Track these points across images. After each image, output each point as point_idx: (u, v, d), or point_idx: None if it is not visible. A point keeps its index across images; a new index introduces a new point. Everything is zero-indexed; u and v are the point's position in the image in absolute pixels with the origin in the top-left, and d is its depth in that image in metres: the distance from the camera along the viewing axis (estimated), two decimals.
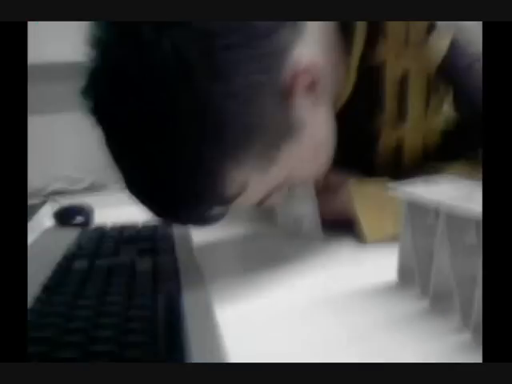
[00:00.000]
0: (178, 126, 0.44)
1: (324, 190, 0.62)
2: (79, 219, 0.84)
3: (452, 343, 0.33)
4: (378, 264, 0.45)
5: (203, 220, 0.51)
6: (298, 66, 0.49)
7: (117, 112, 0.45)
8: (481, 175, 0.55)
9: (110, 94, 0.45)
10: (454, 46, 0.58)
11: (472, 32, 0.58)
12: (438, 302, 0.38)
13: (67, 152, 2.64)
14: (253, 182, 0.50)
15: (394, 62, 0.60)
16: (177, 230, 0.63)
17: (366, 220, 0.56)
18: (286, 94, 0.49)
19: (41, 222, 0.86)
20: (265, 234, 0.66)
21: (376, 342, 0.34)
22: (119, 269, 0.47)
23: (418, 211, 0.39)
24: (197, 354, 0.30)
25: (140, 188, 0.48)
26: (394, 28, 0.58)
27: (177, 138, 0.44)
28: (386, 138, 0.63)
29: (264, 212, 0.68)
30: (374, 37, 0.58)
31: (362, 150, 0.65)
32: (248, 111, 0.46)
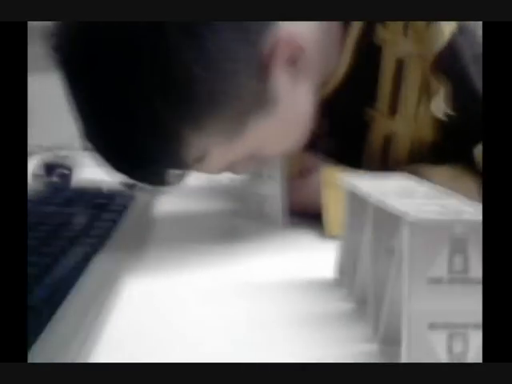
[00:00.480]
0: (140, 82, 0.43)
1: (298, 174, 0.60)
2: (58, 174, 0.84)
3: (354, 352, 0.30)
4: (327, 259, 0.43)
5: (159, 181, 0.49)
6: (278, 38, 0.47)
7: (83, 63, 0.44)
8: (466, 183, 0.54)
9: (79, 48, 0.45)
10: (455, 37, 0.55)
11: (478, 24, 0.55)
12: (362, 307, 0.35)
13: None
14: (215, 150, 0.48)
15: (391, 48, 0.58)
16: (142, 198, 0.61)
17: (331, 212, 0.53)
18: (262, 65, 0.46)
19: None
20: (230, 213, 0.64)
21: (271, 335, 0.32)
22: (51, 217, 0.45)
23: (357, 204, 0.36)
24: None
25: (97, 140, 0.47)
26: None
27: (138, 93, 0.43)
28: (377, 129, 0.61)
29: (239, 190, 0.66)
30: (372, 23, 0.56)
31: (351, 139, 0.62)
32: (216, 77, 0.44)
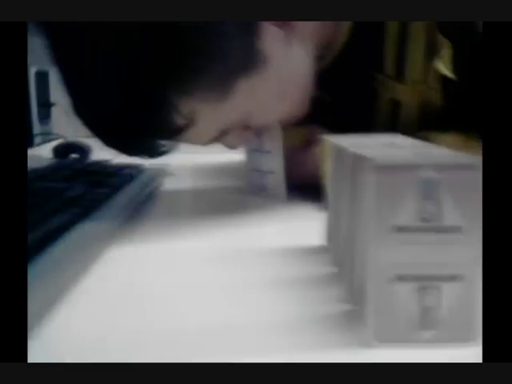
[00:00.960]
0: (125, 47, 0.41)
1: (301, 147, 0.58)
2: (74, 155, 0.85)
3: (326, 312, 0.28)
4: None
5: (150, 151, 0.48)
6: None
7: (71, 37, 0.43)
8: (472, 149, 0.51)
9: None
10: None
11: None
12: (343, 270, 0.33)
13: None
14: (203, 115, 0.45)
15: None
16: (147, 176, 0.61)
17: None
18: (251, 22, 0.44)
19: (39, 154, 0.88)
20: (233, 189, 0.63)
21: (251, 296, 0.30)
22: (50, 190, 0.45)
23: (339, 162, 0.34)
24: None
25: (87, 113, 0.46)
26: None
27: (123, 60, 0.41)
28: (384, 95, 0.58)
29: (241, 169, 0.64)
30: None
31: (357, 108, 0.60)
32: (201, 34, 0.41)
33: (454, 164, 0.24)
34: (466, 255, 0.24)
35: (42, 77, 2.10)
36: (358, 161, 0.27)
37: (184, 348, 0.25)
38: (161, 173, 0.67)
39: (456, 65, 0.53)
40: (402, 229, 0.24)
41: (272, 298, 0.30)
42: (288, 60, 0.49)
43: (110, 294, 0.31)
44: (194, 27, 0.41)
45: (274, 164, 0.55)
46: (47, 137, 1.59)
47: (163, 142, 0.47)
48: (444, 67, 0.54)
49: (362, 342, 0.24)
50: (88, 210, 0.42)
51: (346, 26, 0.56)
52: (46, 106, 2.10)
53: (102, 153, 0.82)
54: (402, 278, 0.24)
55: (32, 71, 1.97)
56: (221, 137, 0.50)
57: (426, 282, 0.24)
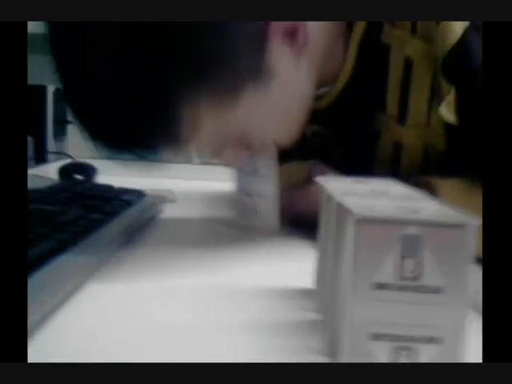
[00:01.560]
0: (134, 53, 0.41)
1: (302, 183, 0.57)
2: (79, 177, 0.85)
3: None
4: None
5: (152, 156, 0.47)
6: None
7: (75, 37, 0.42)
8: (474, 195, 0.50)
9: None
10: (467, 35, 0.51)
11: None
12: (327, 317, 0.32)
13: None
14: (207, 124, 0.45)
15: (399, 47, 0.54)
16: (146, 203, 0.61)
17: None
18: (259, 34, 0.44)
19: (45, 174, 0.88)
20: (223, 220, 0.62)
21: (223, 339, 0.30)
22: (42, 213, 0.45)
23: (328, 207, 0.33)
24: None
25: (90, 116, 0.45)
26: None
27: (131, 65, 0.41)
28: (387, 136, 0.58)
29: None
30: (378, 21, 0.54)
31: (359, 147, 0.60)
32: (211, 44, 0.42)
33: (438, 222, 0.23)
34: (446, 317, 0.23)
35: (60, 94, 2.14)
36: (342, 210, 0.26)
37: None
38: (161, 199, 0.67)
39: (459, 111, 0.52)
40: (380, 286, 0.23)
41: (247, 342, 0.29)
42: (293, 80, 0.49)
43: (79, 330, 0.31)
44: (204, 32, 0.41)
45: (267, 188, 0.55)
46: (60, 155, 1.60)
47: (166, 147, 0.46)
48: (448, 113, 0.53)
49: None
50: (77, 237, 0.41)
51: (349, 63, 0.55)
52: (62, 123, 2.13)
53: (106, 176, 0.84)
54: (377, 337, 0.23)
55: (50, 89, 2.01)
56: (220, 150, 0.50)
57: (402, 342, 0.23)
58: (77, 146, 2.35)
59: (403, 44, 0.54)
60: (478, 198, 0.51)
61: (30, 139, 1.82)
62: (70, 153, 1.76)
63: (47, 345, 0.28)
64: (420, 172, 0.56)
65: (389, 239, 0.23)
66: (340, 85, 0.56)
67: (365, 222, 0.23)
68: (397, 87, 0.55)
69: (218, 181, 0.97)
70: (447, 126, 0.54)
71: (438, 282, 0.23)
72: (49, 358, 0.27)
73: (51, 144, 1.99)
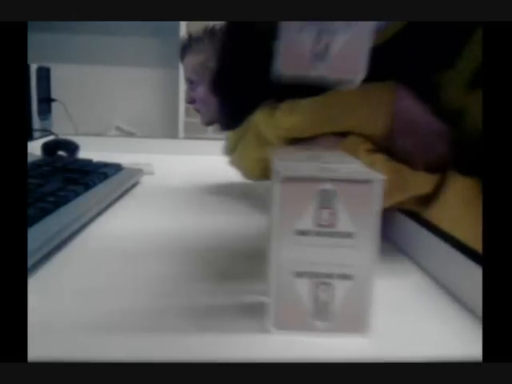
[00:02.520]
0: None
1: None
2: (62, 153, 0.89)
3: (246, 302, 0.32)
4: None
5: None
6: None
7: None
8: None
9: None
10: None
11: None
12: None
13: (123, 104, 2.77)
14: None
15: None
16: (123, 175, 0.65)
17: None
18: None
19: (29, 151, 0.92)
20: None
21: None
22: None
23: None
24: None
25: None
26: None
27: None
28: (451, 95, 0.49)
29: None
30: None
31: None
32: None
33: (349, 179, 0.27)
34: (356, 258, 0.28)
35: (44, 73, 2.15)
36: (274, 172, 0.30)
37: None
38: (138, 172, 0.71)
39: None
40: (301, 232, 0.28)
41: (202, 287, 0.34)
42: None
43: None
44: None
45: None
46: (45, 133, 1.63)
47: None
48: None
49: (263, 329, 0.28)
50: (56, 206, 0.46)
51: None
52: (45, 101, 2.15)
53: (87, 152, 0.88)
54: (300, 275, 0.28)
55: (33, 67, 2.02)
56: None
57: (320, 278, 0.28)
58: (61, 123, 2.37)
59: None
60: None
61: None
62: (54, 130, 1.79)
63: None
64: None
65: (308, 194, 0.27)
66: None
67: (287, 180, 0.27)
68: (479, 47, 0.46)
69: (200, 154, 1.01)
70: None
71: (349, 228, 0.27)
72: None
73: (36, 122, 2.02)
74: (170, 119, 2.66)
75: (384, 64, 0.43)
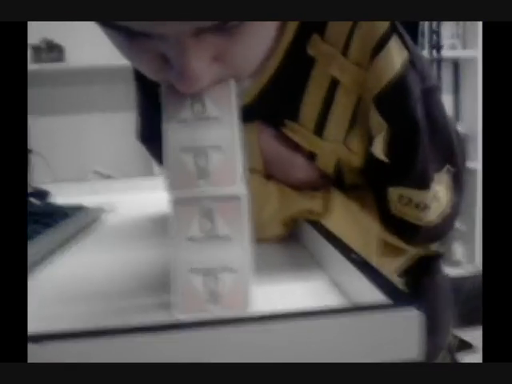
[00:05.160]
0: None
1: None
2: (33, 199, 0.98)
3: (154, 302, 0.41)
4: None
5: None
6: None
7: None
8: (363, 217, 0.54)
9: None
10: (406, 70, 0.50)
11: (425, 65, 0.54)
12: None
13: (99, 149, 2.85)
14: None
15: (323, 66, 0.52)
16: (83, 214, 0.74)
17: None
18: None
19: None
20: None
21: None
22: None
23: None
24: None
25: None
26: (334, 32, 0.51)
27: None
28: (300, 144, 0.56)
29: None
30: (309, 29, 0.51)
31: None
32: None
33: (223, 196, 0.37)
34: (233, 255, 0.37)
35: None
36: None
37: None
38: (99, 211, 0.80)
39: (391, 151, 0.52)
40: (191, 239, 0.37)
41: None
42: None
43: None
44: None
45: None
46: None
47: None
48: (379, 152, 0.52)
49: (171, 314, 0.37)
50: None
51: (275, 61, 0.53)
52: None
53: (57, 197, 0.97)
54: (193, 271, 0.37)
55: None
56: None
57: (209, 273, 0.37)
58: (40, 172, 2.46)
59: (330, 63, 0.52)
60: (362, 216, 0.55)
61: None
62: (33, 179, 1.88)
63: None
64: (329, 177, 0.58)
65: (193, 209, 0.37)
66: (258, 88, 0.55)
67: (178, 200, 0.37)
68: (318, 102, 0.54)
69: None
70: (365, 148, 0.54)
71: (226, 232, 0.37)
72: None
73: None
74: (145, 158, 2.77)
75: (251, 116, 0.51)
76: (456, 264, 2.53)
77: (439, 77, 2.46)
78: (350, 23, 0.51)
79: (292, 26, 0.52)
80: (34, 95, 2.70)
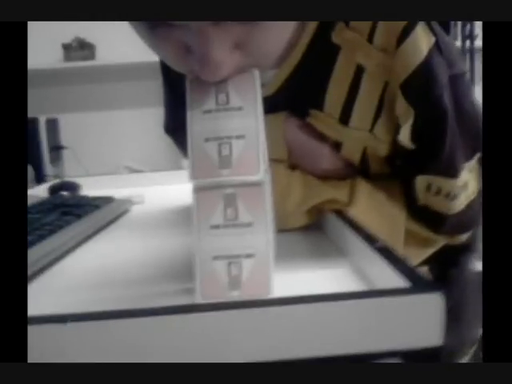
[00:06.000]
0: None
1: None
2: (64, 192, 1.00)
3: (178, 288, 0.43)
4: None
5: None
6: None
7: None
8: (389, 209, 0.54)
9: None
10: (432, 55, 0.50)
11: (453, 51, 0.54)
12: None
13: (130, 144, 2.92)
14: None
15: (349, 53, 0.52)
16: (112, 206, 0.76)
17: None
18: None
19: (37, 193, 1.04)
20: None
21: None
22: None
23: None
24: None
25: None
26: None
27: None
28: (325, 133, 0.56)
29: None
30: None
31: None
32: None
33: (243, 183, 0.37)
34: (256, 241, 0.37)
35: (52, 123, 2.33)
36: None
37: None
38: (128, 202, 0.82)
39: (417, 138, 0.52)
40: (214, 226, 0.37)
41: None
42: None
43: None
44: None
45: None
46: (55, 178, 1.77)
47: None
48: (406, 139, 0.52)
49: (193, 299, 0.38)
50: (52, 232, 0.56)
51: (298, 50, 0.53)
52: (56, 149, 2.32)
53: (94, 190, 0.99)
54: (215, 258, 0.38)
55: (42, 119, 2.19)
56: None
57: (232, 259, 0.37)
58: (73, 168, 2.52)
59: (356, 49, 0.51)
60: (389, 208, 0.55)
61: (29, 167, 2.00)
62: (66, 174, 1.93)
63: None
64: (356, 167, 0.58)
65: (215, 198, 0.37)
66: (281, 79, 0.54)
67: (200, 189, 0.37)
68: (344, 90, 0.53)
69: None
70: (392, 136, 0.54)
71: (248, 219, 0.37)
72: None
73: (49, 168, 2.17)
74: (174, 153, 2.80)
75: (275, 106, 0.52)
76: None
77: (472, 67, 2.40)
78: None
79: (313, 23, 0.52)
80: (66, 92, 2.77)
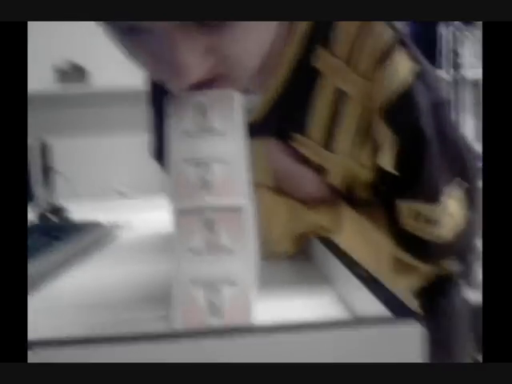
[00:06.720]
0: None
1: None
2: (51, 216, 0.99)
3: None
4: None
5: None
6: None
7: None
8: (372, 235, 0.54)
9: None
10: (413, 82, 0.50)
11: (432, 76, 0.54)
12: None
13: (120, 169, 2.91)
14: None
15: (329, 78, 0.52)
16: (99, 231, 0.75)
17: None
18: None
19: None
20: None
21: None
22: None
23: None
24: None
25: None
26: (339, 43, 0.51)
27: None
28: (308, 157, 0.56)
29: None
30: (313, 41, 0.51)
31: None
32: None
33: (223, 207, 0.37)
34: (236, 267, 0.37)
35: (45, 148, 2.34)
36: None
37: None
38: (115, 227, 0.81)
39: (400, 163, 0.52)
40: (192, 249, 0.37)
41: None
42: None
43: None
44: None
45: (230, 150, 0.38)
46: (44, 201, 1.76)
47: None
48: (387, 163, 0.52)
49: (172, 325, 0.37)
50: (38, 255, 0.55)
51: (280, 74, 0.53)
52: (48, 171, 2.32)
53: (76, 214, 0.98)
54: (194, 283, 0.37)
55: (35, 144, 2.19)
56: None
57: (210, 286, 0.37)
58: (63, 191, 2.52)
59: (336, 73, 0.52)
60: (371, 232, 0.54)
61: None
62: (56, 197, 1.92)
63: None
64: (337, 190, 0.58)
65: (196, 221, 0.37)
66: (267, 99, 0.55)
67: (180, 212, 0.37)
68: (325, 114, 0.53)
69: None
70: (374, 161, 0.54)
71: (227, 244, 0.37)
72: None
73: (39, 191, 2.17)
74: (164, 177, 2.80)
75: (261, 131, 0.52)
76: (479, 287, 2.46)
77: (458, 97, 2.43)
78: (353, 35, 0.51)
79: (296, 38, 0.52)
80: (57, 116, 2.78)
